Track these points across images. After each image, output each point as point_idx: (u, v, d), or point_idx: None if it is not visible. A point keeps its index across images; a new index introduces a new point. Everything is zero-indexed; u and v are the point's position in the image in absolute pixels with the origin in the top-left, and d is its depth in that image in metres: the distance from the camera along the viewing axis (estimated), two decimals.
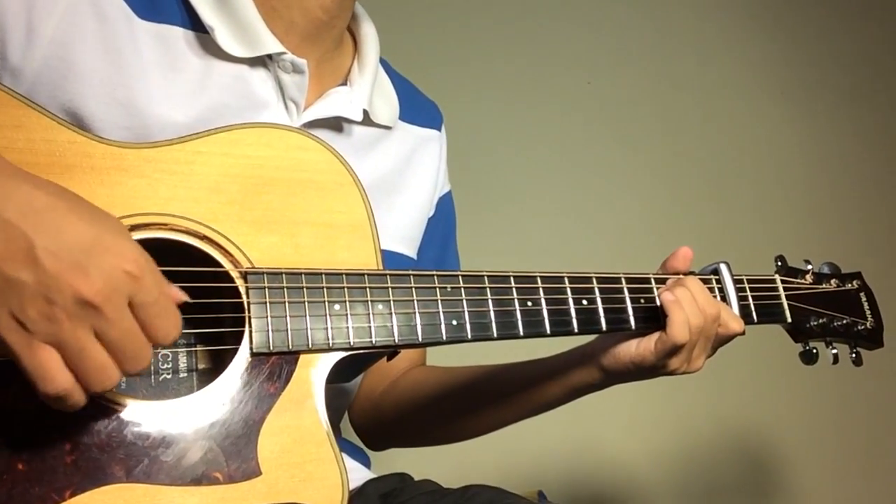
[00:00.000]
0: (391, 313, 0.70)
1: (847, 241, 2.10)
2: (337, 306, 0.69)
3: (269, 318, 0.66)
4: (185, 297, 0.59)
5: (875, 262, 2.04)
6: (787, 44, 2.22)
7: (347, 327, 0.68)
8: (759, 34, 2.21)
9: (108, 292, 0.53)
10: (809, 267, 0.96)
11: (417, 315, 0.71)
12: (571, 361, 0.89)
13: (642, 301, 0.82)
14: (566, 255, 1.84)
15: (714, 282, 0.87)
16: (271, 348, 0.66)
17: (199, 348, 0.72)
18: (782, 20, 2.23)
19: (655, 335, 0.82)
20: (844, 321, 0.93)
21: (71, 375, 0.53)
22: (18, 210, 0.52)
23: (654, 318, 0.82)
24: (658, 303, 0.82)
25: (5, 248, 0.51)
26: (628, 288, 0.82)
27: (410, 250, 0.94)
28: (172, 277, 0.60)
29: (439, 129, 1.02)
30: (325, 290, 0.69)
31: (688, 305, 0.80)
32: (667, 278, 0.85)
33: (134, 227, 0.64)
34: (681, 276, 0.84)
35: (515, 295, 0.76)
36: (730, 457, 1.95)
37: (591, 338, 0.88)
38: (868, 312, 0.96)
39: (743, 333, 0.85)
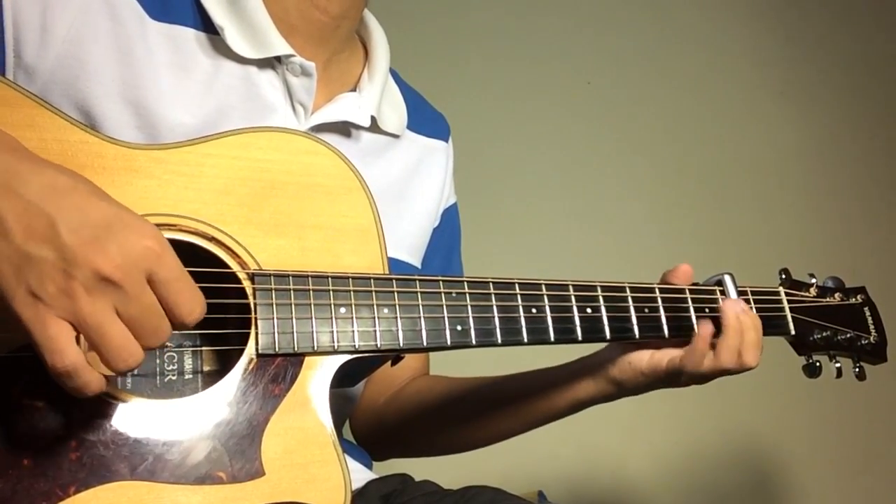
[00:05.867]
0: (396, 317, 0.71)
1: (847, 243, 2.10)
2: (343, 309, 0.69)
3: (276, 320, 0.66)
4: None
5: (874, 263, 2.05)
6: (787, 43, 2.22)
7: (353, 331, 0.69)
8: (760, 34, 2.21)
9: (128, 268, 0.52)
10: (813, 280, 0.96)
11: (422, 320, 0.72)
12: (578, 373, 0.90)
13: (646, 311, 0.83)
14: (566, 257, 1.85)
15: (718, 293, 0.88)
16: (277, 350, 0.66)
17: (204, 349, 0.72)
18: (783, 20, 2.23)
19: (668, 358, 0.83)
20: (848, 335, 0.93)
21: (81, 351, 0.52)
22: (41, 191, 0.53)
23: (657, 328, 0.82)
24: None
25: (27, 226, 0.51)
26: (632, 297, 0.82)
27: (415, 259, 0.95)
28: None
29: (446, 141, 1.02)
30: (331, 293, 0.69)
31: (726, 354, 0.82)
32: (670, 290, 0.85)
33: None
34: (746, 310, 0.85)
35: (520, 302, 0.76)
36: (730, 461, 1.96)
37: (595, 347, 0.89)
38: (872, 327, 0.96)
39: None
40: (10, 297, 0.51)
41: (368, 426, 1.02)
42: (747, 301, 0.89)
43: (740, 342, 0.83)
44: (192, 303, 0.55)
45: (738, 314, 0.84)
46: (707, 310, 0.86)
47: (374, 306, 0.70)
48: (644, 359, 0.85)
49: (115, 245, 0.52)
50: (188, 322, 0.55)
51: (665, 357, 0.84)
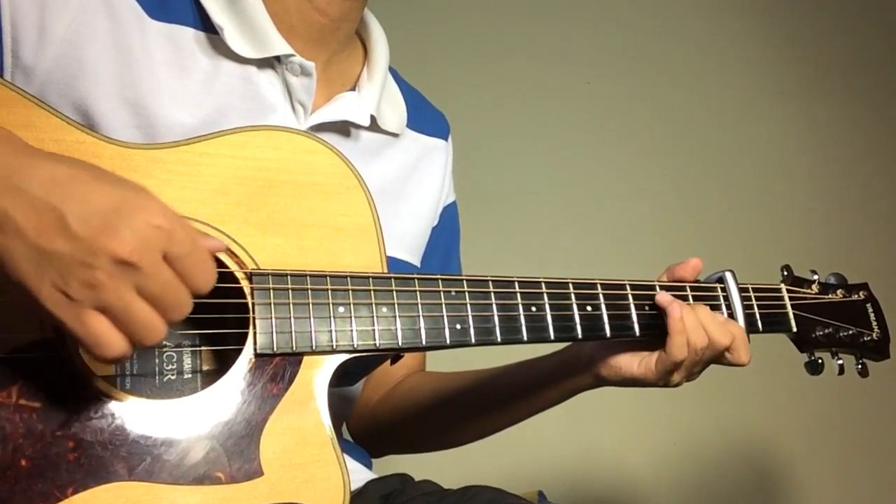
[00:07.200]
0: (395, 316, 0.71)
1: (848, 240, 2.10)
2: (341, 308, 0.69)
3: (274, 320, 0.66)
4: (222, 247, 0.60)
5: (876, 259, 2.05)
6: (786, 44, 2.22)
7: (351, 330, 0.69)
8: (759, 35, 2.21)
9: (142, 249, 0.53)
10: (815, 277, 0.95)
11: (421, 319, 0.72)
12: (567, 366, 0.89)
13: (647, 308, 0.82)
14: (566, 255, 1.85)
15: (719, 290, 0.87)
16: (275, 349, 0.66)
17: (203, 349, 0.72)
18: (782, 20, 2.24)
19: (655, 354, 0.82)
20: (850, 332, 0.93)
21: (125, 338, 0.54)
22: (43, 185, 0.53)
23: (658, 326, 0.82)
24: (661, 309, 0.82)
25: (37, 222, 0.52)
26: (633, 295, 0.82)
27: (414, 258, 0.94)
28: None
29: (446, 139, 1.02)
30: (329, 292, 0.69)
31: (692, 329, 0.80)
32: (671, 287, 0.85)
33: None
34: (692, 304, 0.84)
35: (520, 300, 0.76)
36: (730, 461, 1.96)
37: None
38: (874, 323, 0.96)
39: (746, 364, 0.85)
40: (36, 295, 0.52)
41: (363, 425, 1.03)
42: (748, 298, 0.88)
43: (698, 323, 0.81)
44: (206, 274, 0.57)
45: (679, 304, 0.82)
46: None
47: (373, 305, 0.70)
48: (633, 367, 0.84)
49: (127, 228, 0.53)
50: (202, 292, 0.57)
51: (653, 358, 0.83)
